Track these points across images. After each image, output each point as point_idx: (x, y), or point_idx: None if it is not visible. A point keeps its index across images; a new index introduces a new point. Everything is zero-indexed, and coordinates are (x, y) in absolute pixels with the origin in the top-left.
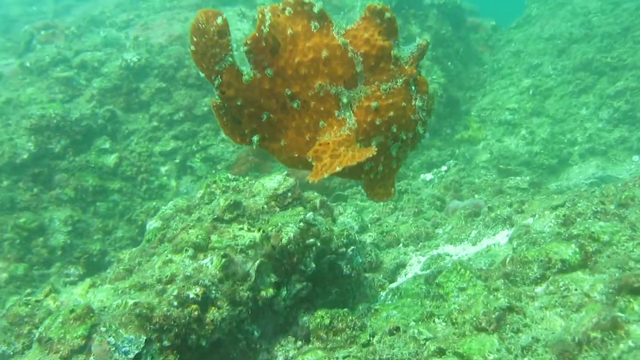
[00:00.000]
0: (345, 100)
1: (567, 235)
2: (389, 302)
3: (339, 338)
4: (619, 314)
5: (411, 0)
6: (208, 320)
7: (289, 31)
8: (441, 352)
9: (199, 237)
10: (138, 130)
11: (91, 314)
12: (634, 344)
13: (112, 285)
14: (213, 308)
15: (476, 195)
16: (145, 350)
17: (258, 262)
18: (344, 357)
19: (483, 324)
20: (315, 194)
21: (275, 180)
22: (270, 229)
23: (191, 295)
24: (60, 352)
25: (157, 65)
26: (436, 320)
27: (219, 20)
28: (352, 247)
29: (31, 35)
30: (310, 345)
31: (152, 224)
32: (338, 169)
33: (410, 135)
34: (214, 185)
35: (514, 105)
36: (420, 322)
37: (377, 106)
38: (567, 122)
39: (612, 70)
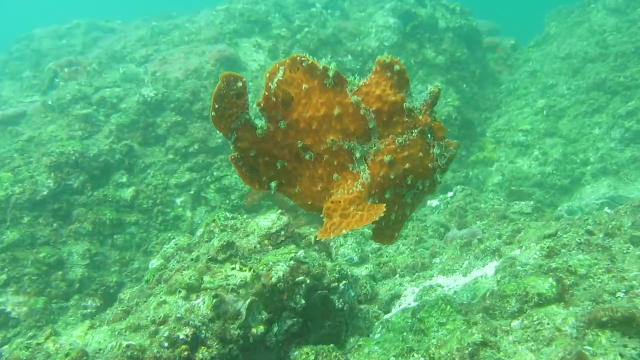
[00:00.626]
0: (358, 154)
1: (546, 268)
2: (379, 334)
3: None
4: (587, 347)
5: (426, 24)
6: (197, 359)
7: (304, 86)
8: None
9: (192, 278)
10: (154, 164)
11: (85, 357)
12: None
13: (110, 326)
14: (203, 347)
15: (478, 222)
16: None
17: (249, 300)
18: None
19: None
20: (312, 229)
21: (269, 219)
22: (261, 268)
23: (181, 336)
24: None
25: (174, 99)
26: (415, 355)
27: (239, 84)
28: (345, 282)
29: (54, 72)
30: None
31: (154, 263)
32: (344, 231)
33: (427, 184)
34: (213, 224)
35: (528, 127)
36: (399, 357)
37: (391, 160)
38: (580, 142)
39: (625, 90)
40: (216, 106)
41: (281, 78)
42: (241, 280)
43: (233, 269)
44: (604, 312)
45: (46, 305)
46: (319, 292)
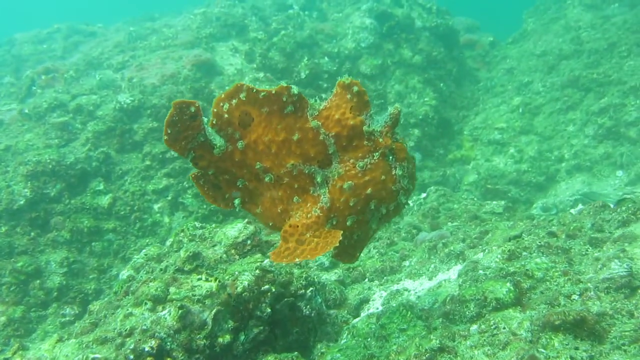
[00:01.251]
0: (319, 179)
1: (504, 273)
2: (345, 340)
3: None
4: (541, 350)
5: (402, 24)
6: None
7: (265, 109)
8: None
9: (158, 289)
10: (131, 170)
11: None
12: None
13: (78, 339)
14: (168, 359)
15: (449, 224)
16: None
17: (215, 310)
18: None
19: None
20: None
21: (235, 229)
22: (227, 278)
23: (147, 348)
24: None
25: (150, 105)
26: None
27: (192, 109)
28: (312, 288)
29: (32, 80)
30: None
31: (124, 273)
32: (298, 260)
33: (392, 207)
34: (182, 234)
35: (503, 125)
36: None
37: (351, 185)
38: (554, 140)
39: (599, 87)
40: (169, 131)
41: (243, 98)
42: (207, 291)
43: (199, 279)
44: (557, 316)
45: (24, 314)
46: (286, 299)
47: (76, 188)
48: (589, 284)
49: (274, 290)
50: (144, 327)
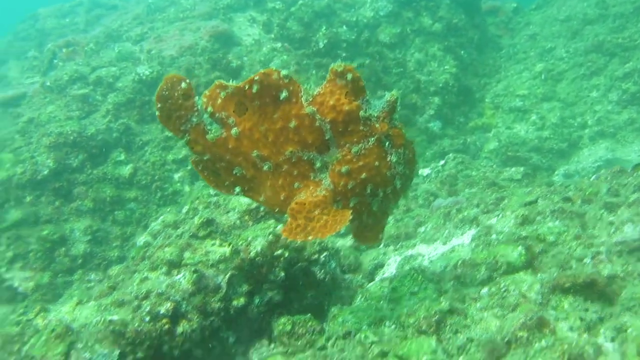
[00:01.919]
0: (318, 164)
1: (516, 237)
2: (359, 303)
3: (299, 343)
4: (551, 312)
5: None
6: (178, 332)
7: (256, 102)
8: (384, 354)
9: (173, 254)
10: (152, 141)
11: (70, 333)
12: (546, 344)
13: (97, 302)
14: (184, 321)
15: (466, 190)
16: None
17: (229, 274)
18: None
19: (424, 327)
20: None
21: None
22: (240, 243)
23: (162, 311)
24: None
25: None
26: (387, 323)
27: (183, 84)
28: (325, 253)
29: (53, 53)
30: (273, 350)
31: (141, 239)
32: (310, 238)
33: (389, 191)
34: (197, 201)
35: (525, 92)
36: (371, 326)
37: (348, 170)
38: (577, 106)
39: (623, 51)
40: (159, 105)
41: (231, 93)
42: (220, 256)
43: (213, 244)
44: (567, 279)
45: (51, 280)
46: (300, 264)
47: (97, 158)
48: (601, 248)
49: (287, 255)
50: (160, 291)
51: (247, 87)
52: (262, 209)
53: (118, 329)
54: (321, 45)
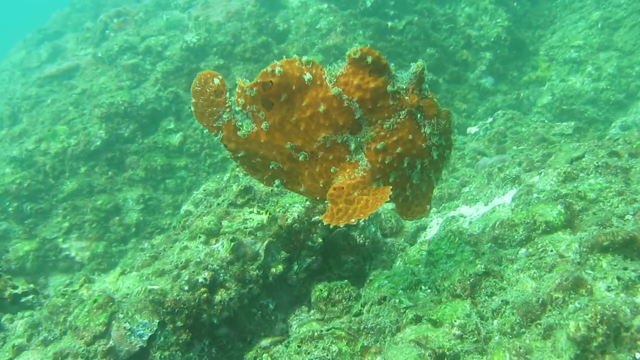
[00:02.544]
0: (353, 145)
1: (556, 195)
2: (397, 267)
3: (336, 309)
4: (589, 271)
5: None
6: (217, 300)
7: (283, 97)
8: (418, 319)
9: (211, 223)
10: None
11: (111, 303)
12: (580, 305)
13: (139, 272)
14: (222, 289)
15: (514, 147)
16: (159, 332)
17: (267, 242)
18: (327, 330)
19: (458, 291)
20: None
21: None
22: (277, 210)
23: (200, 280)
24: (85, 338)
25: (216, 43)
26: (423, 287)
27: (216, 81)
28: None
29: (105, 24)
30: (310, 317)
31: (184, 208)
32: (353, 220)
33: (426, 162)
34: (238, 169)
35: (580, 42)
36: (407, 291)
37: (384, 146)
38: (635, 54)
39: None
40: (193, 101)
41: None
42: (258, 223)
43: (251, 212)
44: (605, 237)
45: (106, 249)
46: (339, 229)
47: (148, 128)
48: None
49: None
50: (198, 260)
51: (270, 81)
52: None
53: (157, 299)
54: (368, 4)
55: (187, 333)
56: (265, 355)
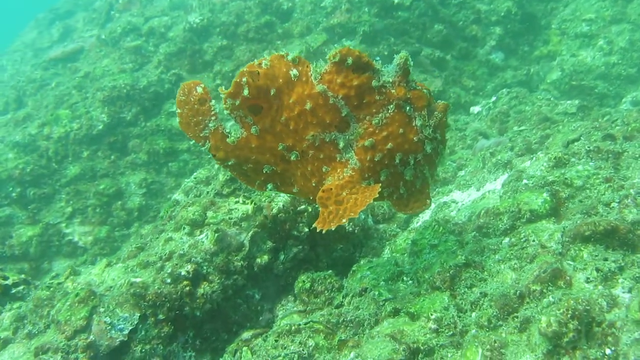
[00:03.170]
0: (342, 144)
1: (543, 182)
2: (383, 257)
3: (318, 300)
4: (570, 262)
5: None
6: (199, 293)
7: (272, 91)
8: (396, 312)
9: (196, 213)
10: None
11: (93, 297)
12: (553, 299)
13: (124, 264)
14: (205, 283)
15: (515, 128)
16: (140, 326)
17: (251, 232)
18: (305, 323)
19: (437, 283)
20: None
21: None
22: (263, 200)
23: (182, 273)
24: (65, 333)
25: (219, 23)
26: (404, 278)
27: (199, 89)
28: None
29: (110, 4)
30: (294, 308)
31: (174, 196)
32: (344, 221)
33: (420, 157)
34: None
35: (592, 15)
36: (389, 282)
37: (373, 143)
38: None
39: None
40: (178, 111)
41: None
42: (243, 213)
43: (236, 202)
44: (587, 227)
45: (109, 233)
46: None
47: (151, 111)
48: (631, 190)
49: (310, 210)
50: (182, 252)
51: (257, 71)
52: None
53: (139, 292)
54: None
55: (169, 326)
56: (245, 348)
